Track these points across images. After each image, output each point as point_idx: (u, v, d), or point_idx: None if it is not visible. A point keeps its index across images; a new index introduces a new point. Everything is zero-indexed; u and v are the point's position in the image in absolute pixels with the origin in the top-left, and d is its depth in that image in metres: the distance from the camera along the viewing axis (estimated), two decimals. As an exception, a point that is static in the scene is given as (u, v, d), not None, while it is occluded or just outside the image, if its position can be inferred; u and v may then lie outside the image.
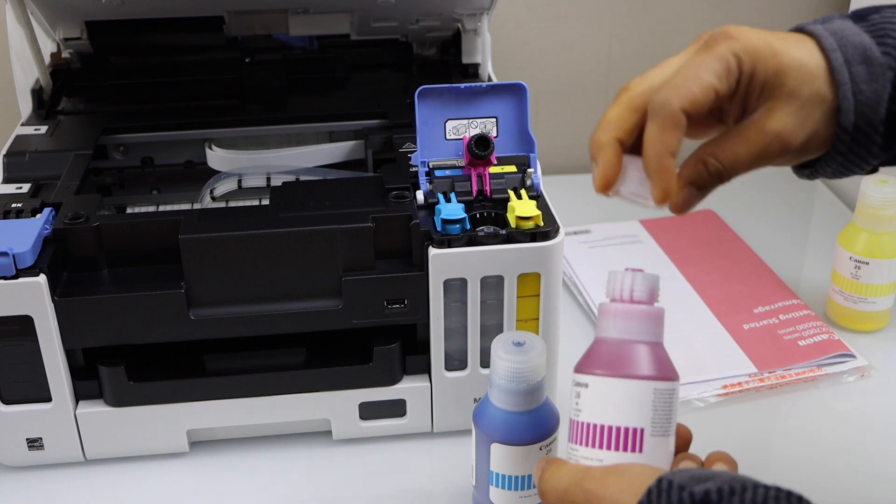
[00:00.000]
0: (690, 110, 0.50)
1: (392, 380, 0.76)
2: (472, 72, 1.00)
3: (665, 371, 0.55)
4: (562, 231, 0.72)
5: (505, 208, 0.73)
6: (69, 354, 0.72)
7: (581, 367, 0.56)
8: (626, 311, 0.55)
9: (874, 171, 0.55)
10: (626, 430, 0.54)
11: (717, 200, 1.16)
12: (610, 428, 0.54)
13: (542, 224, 0.71)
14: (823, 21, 0.52)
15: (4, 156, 0.82)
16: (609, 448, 0.54)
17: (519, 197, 0.73)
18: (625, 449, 0.54)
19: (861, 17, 0.52)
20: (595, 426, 0.54)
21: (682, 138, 0.51)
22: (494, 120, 0.75)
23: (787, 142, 0.51)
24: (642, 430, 0.54)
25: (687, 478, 0.49)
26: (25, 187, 0.77)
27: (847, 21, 0.51)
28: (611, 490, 0.51)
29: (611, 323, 0.56)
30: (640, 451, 0.54)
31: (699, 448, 0.80)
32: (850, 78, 0.50)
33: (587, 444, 0.55)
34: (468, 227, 0.71)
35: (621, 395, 0.54)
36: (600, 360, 0.55)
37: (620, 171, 0.54)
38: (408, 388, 0.76)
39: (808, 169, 0.56)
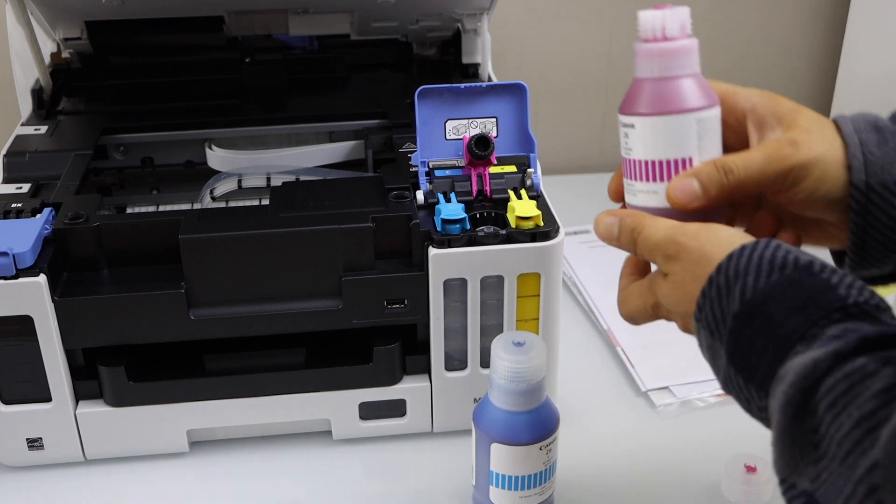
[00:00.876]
0: None
1: (392, 380, 0.76)
2: (472, 72, 1.00)
3: (704, 100, 0.57)
4: (562, 231, 0.72)
5: (505, 208, 0.73)
6: (69, 354, 0.72)
7: (626, 109, 0.58)
8: (660, 50, 0.57)
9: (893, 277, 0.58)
10: (677, 161, 0.57)
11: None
12: (661, 162, 0.57)
13: (542, 224, 0.71)
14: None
15: (4, 156, 0.82)
16: (662, 179, 0.57)
17: (519, 197, 0.73)
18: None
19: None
20: (647, 162, 0.58)
21: None
22: (494, 120, 0.75)
23: (802, 148, 0.54)
24: (691, 159, 0.57)
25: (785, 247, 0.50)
26: (25, 187, 0.77)
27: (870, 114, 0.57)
28: (701, 242, 0.53)
29: (647, 63, 0.57)
30: None
31: (700, 446, 0.80)
32: (860, 141, 0.54)
33: (642, 179, 0.58)
34: (468, 227, 0.71)
35: (667, 130, 0.57)
36: (643, 100, 0.57)
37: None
38: (408, 388, 0.76)
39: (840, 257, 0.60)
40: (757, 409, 0.49)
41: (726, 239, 0.52)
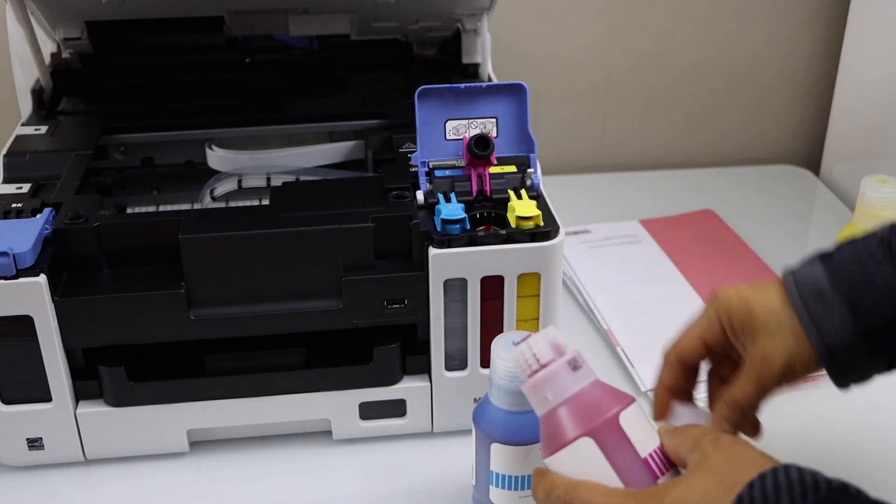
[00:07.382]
0: (685, 357, 0.65)
1: (392, 380, 0.76)
2: (472, 72, 1.00)
3: (599, 415, 0.55)
4: (562, 231, 0.72)
5: (505, 208, 0.73)
6: (69, 354, 0.72)
7: (543, 454, 0.57)
8: (538, 381, 0.57)
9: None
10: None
11: (717, 200, 1.17)
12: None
13: (542, 224, 0.71)
14: (801, 265, 0.63)
15: (4, 156, 0.82)
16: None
17: (519, 197, 0.73)
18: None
19: (829, 255, 0.62)
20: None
21: (678, 375, 0.65)
22: (494, 120, 0.75)
23: (772, 362, 0.61)
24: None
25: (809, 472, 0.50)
26: (26, 187, 0.77)
27: (816, 264, 0.61)
28: (697, 495, 0.52)
29: (536, 398, 0.57)
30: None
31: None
32: (808, 313, 0.60)
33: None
34: (468, 227, 0.72)
35: (578, 458, 0.55)
36: (548, 439, 0.57)
37: (669, 410, 0.66)
38: (408, 388, 0.76)
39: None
40: None
41: (722, 482, 0.51)
